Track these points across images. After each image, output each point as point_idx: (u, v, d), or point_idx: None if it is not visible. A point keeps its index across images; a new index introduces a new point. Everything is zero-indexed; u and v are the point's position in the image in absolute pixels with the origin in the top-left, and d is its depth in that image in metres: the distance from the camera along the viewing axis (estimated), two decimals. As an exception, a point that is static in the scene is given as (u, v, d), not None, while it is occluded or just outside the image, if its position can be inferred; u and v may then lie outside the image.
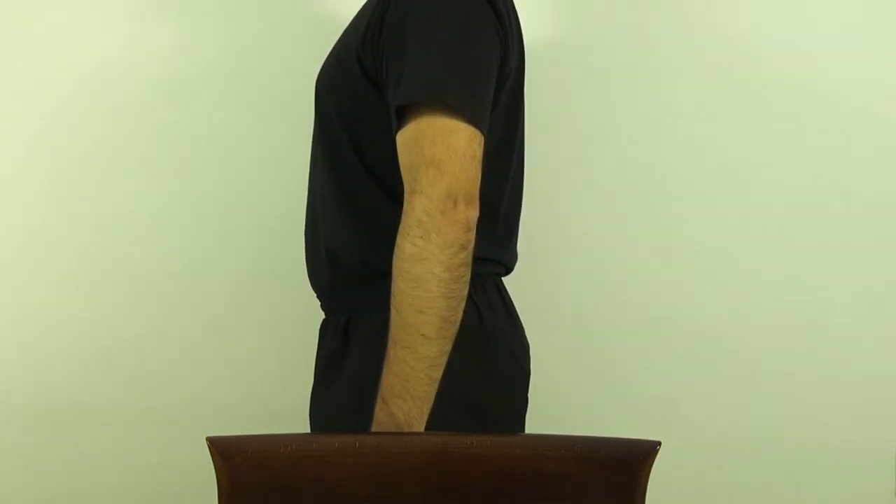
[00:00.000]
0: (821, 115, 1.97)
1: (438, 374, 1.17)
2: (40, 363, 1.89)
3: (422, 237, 1.13)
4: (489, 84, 1.24)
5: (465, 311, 1.19)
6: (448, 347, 1.17)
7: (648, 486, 1.12)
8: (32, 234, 1.86)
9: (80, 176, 1.86)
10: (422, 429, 1.18)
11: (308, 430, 1.40)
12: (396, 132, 1.20)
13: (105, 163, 1.87)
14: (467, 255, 1.16)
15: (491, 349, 1.32)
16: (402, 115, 1.19)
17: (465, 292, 1.18)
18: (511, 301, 1.41)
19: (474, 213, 1.16)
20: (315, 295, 1.43)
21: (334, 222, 1.35)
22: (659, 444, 1.11)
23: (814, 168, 1.97)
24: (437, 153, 1.15)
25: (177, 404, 1.91)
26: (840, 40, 1.97)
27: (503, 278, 1.42)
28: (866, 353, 2.01)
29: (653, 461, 1.11)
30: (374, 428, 1.18)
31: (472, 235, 1.16)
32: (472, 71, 1.21)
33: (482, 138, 1.19)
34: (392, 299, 1.16)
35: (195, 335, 1.90)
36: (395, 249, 1.16)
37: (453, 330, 1.17)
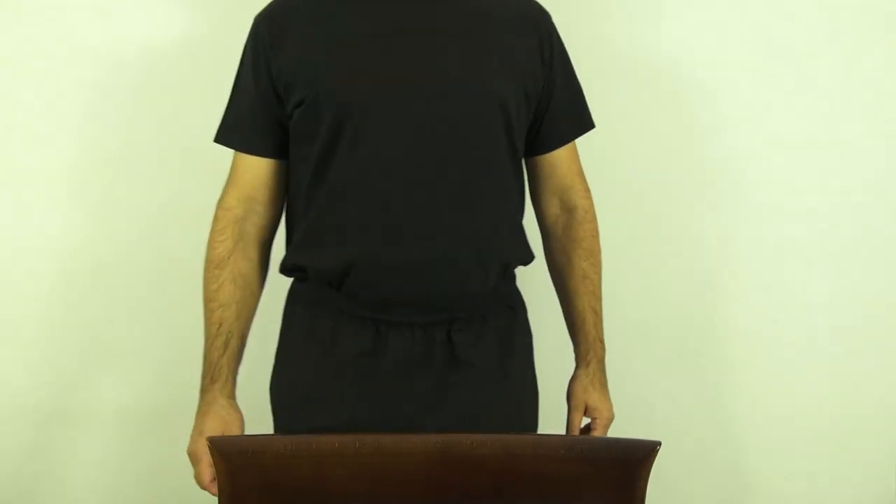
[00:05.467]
0: (818, 117, 1.97)
1: None
2: (41, 363, 1.89)
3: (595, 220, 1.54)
4: None
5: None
6: None
7: (649, 487, 1.12)
8: (32, 235, 1.86)
9: (80, 177, 1.86)
10: None
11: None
12: (564, 144, 1.50)
13: (108, 164, 1.87)
14: None
15: None
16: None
17: None
18: None
19: None
20: (408, 308, 1.38)
21: (501, 223, 1.41)
22: (659, 444, 1.12)
23: (813, 167, 1.97)
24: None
25: (177, 404, 1.91)
26: (836, 41, 1.97)
27: None
28: (866, 352, 2.01)
29: (653, 461, 1.11)
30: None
31: None
32: None
33: None
34: (596, 268, 1.54)
35: (196, 335, 1.90)
36: (592, 230, 1.54)
37: None
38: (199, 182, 1.86)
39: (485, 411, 1.40)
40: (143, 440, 1.93)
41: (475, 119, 1.36)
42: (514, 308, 1.48)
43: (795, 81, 1.93)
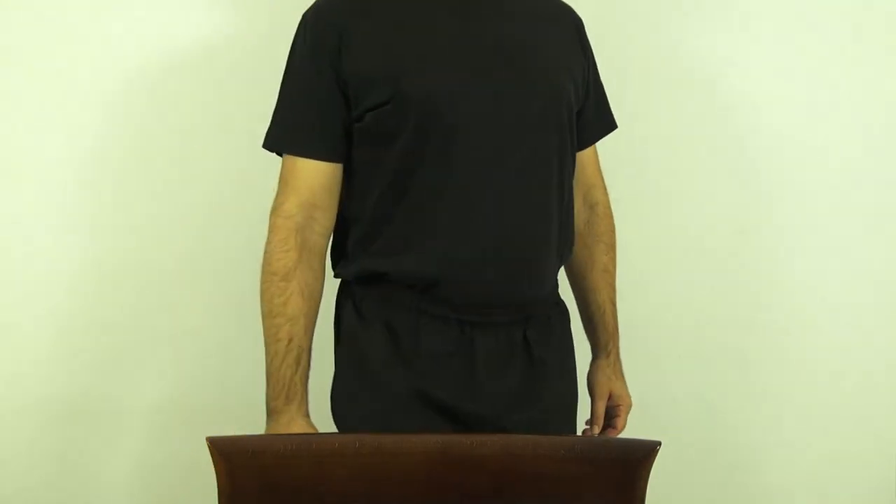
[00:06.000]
0: (818, 117, 1.97)
1: None
2: (41, 364, 1.88)
3: None
4: None
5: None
6: None
7: (648, 486, 1.12)
8: (31, 235, 1.86)
9: (78, 173, 1.86)
10: None
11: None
12: (594, 142, 1.55)
13: (107, 162, 1.86)
14: None
15: None
16: None
17: None
18: None
19: None
20: (495, 309, 1.37)
21: (569, 222, 1.45)
22: (659, 444, 1.11)
23: (814, 166, 1.97)
24: None
25: (176, 404, 1.91)
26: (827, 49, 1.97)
27: None
28: (867, 352, 2.01)
29: (653, 461, 1.11)
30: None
31: None
32: None
33: None
34: (614, 262, 1.55)
35: (195, 335, 1.90)
36: (612, 226, 1.56)
37: None
38: (206, 178, 1.87)
39: (554, 410, 1.43)
40: (143, 440, 1.93)
41: (550, 117, 1.37)
42: (562, 307, 1.50)
43: (808, 79, 1.94)
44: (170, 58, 1.84)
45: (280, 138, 1.37)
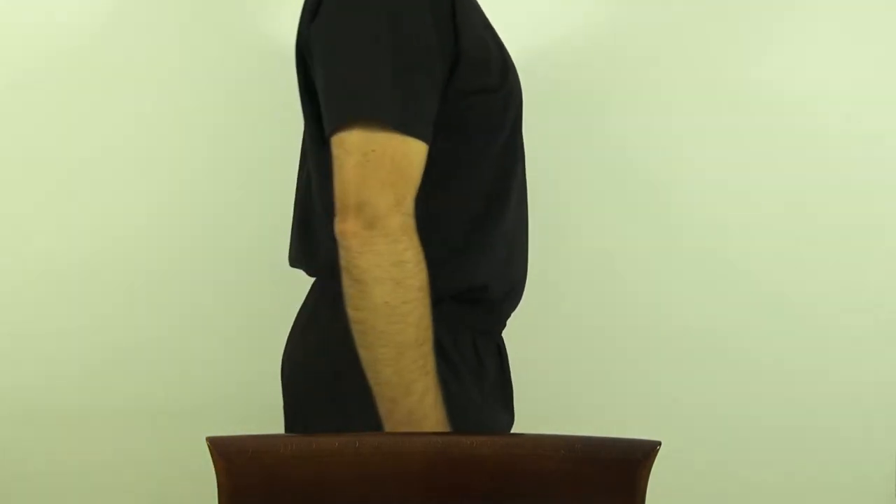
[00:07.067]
0: (821, 116, 1.97)
1: None
2: (40, 363, 1.88)
3: None
4: None
5: None
6: None
7: (648, 486, 1.12)
8: (31, 234, 1.86)
9: (77, 174, 1.86)
10: None
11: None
12: None
13: (104, 159, 1.86)
14: None
15: None
16: None
17: None
18: None
19: None
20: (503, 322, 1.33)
21: None
22: (659, 444, 1.11)
23: (815, 168, 1.97)
24: None
25: (177, 404, 1.91)
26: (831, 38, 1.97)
27: None
28: (867, 353, 2.01)
29: (653, 461, 1.11)
30: None
31: None
32: None
33: None
34: None
35: (195, 335, 1.90)
36: None
37: None
38: (205, 178, 1.87)
39: None
40: (143, 440, 1.93)
41: None
42: None
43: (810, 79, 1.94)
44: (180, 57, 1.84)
45: (401, 114, 1.06)
